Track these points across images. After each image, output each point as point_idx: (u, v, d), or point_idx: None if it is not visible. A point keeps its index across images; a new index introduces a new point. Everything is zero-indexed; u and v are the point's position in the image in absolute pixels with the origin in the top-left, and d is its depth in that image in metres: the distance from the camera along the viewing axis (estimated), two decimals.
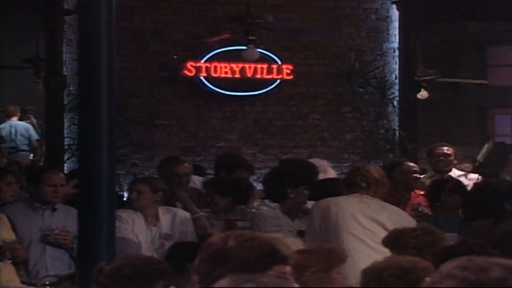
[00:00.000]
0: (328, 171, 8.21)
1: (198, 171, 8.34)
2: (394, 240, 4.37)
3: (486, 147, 7.88)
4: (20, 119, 12.46)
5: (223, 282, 2.33)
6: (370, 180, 5.74)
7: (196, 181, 7.79)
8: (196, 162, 9.15)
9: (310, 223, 5.83)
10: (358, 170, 5.94)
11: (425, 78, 10.51)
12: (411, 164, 7.41)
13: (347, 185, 5.90)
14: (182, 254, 4.98)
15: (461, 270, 2.23)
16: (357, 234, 5.47)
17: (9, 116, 12.47)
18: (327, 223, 5.61)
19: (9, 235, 5.59)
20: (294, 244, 3.76)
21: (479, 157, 7.72)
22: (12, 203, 6.03)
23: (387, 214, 5.66)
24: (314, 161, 8.39)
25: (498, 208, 5.69)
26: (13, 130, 12.13)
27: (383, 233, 5.23)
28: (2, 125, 12.39)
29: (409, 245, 4.16)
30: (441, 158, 7.84)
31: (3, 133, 12.12)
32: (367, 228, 5.49)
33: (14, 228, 5.74)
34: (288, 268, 2.89)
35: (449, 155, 7.79)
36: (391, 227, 5.41)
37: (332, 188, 6.79)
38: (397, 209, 5.96)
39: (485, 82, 11.75)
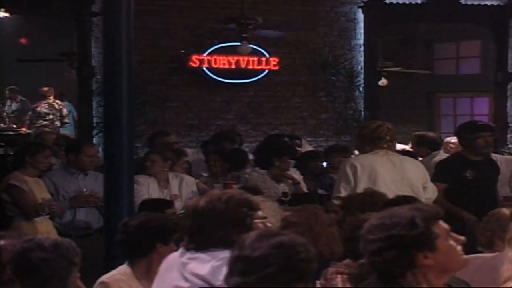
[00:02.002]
0: (306, 147, 8.24)
1: None
2: (344, 203, 4.30)
3: None
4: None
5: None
6: (392, 134, 5.16)
7: (189, 152, 7.78)
8: (200, 137, 9.13)
9: (345, 178, 5.08)
10: (382, 126, 5.14)
11: (384, 68, 10.52)
12: None
13: (373, 140, 5.09)
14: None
15: (379, 218, 2.37)
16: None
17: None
18: (359, 183, 4.99)
19: (46, 195, 5.57)
20: (272, 206, 3.72)
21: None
22: (55, 170, 6.00)
23: (411, 169, 5.09)
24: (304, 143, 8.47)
25: (459, 178, 5.47)
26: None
27: (411, 187, 4.92)
28: (68, 105, 12.36)
29: (354, 207, 4.02)
30: None
31: (74, 113, 12.04)
32: (393, 189, 4.71)
33: (56, 189, 5.73)
34: (260, 212, 2.89)
35: None
36: (417, 180, 5.05)
37: (311, 159, 6.76)
38: (415, 161, 5.48)
39: (431, 72, 11.81)
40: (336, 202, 4.87)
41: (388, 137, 5.09)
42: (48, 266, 2.81)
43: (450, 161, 5.82)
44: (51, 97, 11.83)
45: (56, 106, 11.73)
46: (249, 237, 2.27)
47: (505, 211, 3.73)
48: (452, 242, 2.35)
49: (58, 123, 11.60)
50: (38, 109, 11.78)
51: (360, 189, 4.84)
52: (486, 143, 5.62)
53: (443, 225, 2.34)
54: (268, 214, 3.10)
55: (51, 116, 11.60)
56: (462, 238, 2.37)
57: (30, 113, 11.96)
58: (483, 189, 5.59)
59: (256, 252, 2.20)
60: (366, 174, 5.00)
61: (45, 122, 11.51)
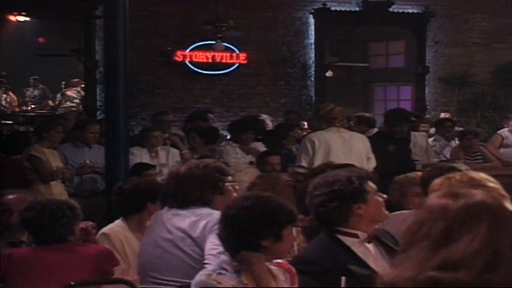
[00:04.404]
0: (270, 125, 8.22)
1: None
2: (310, 177, 4.22)
3: None
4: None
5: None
6: (344, 115, 5.15)
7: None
8: (183, 118, 9.01)
9: (305, 150, 5.02)
10: (335, 108, 5.09)
11: (330, 63, 10.51)
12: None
13: (328, 120, 5.04)
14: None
15: (322, 178, 2.41)
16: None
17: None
18: (316, 154, 4.96)
19: (59, 163, 5.50)
20: (249, 170, 3.69)
21: None
22: (64, 143, 5.91)
23: (358, 143, 5.05)
24: (265, 117, 8.42)
25: (383, 151, 5.41)
26: None
27: (358, 158, 4.87)
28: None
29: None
30: None
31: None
32: (343, 160, 4.54)
33: (66, 160, 5.65)
34: (230, 177, 2.88)
35: None
36: (362, 152, 5.01)
37: (274, 136, 6.70)
38: (362, 136, 5.37)
39: (367, 65, 11.85)
40: (298, 169, 4.94)
41: (340, 117, 5.09)
42: (50, 219, 2.77)
43: (376, 138, 5.78)
44: (79, 87, 11.78)
45: (82, 93, 11.69)
46: (236, 197, 2.30)
47: (400, 177, 3.75)
48: (378, 198, 2.39)
49: (81, 107, 11.56)
50: (68, 93, 11.83)
51: (317, 159, 4.88)
52: (401, 131, 5.82)
53: (372, 184, 2.39)
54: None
55: (77, 101, 11.59)
56: (385, 196, 2.43)
57: (59, 96, 11.99)
58: (403, 160, 5.65)
59: (231, 210, 2.18)
60: (322, 148, 4.99)
61: (72, 104, 11.56)
